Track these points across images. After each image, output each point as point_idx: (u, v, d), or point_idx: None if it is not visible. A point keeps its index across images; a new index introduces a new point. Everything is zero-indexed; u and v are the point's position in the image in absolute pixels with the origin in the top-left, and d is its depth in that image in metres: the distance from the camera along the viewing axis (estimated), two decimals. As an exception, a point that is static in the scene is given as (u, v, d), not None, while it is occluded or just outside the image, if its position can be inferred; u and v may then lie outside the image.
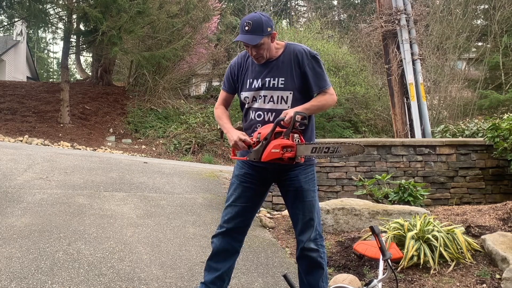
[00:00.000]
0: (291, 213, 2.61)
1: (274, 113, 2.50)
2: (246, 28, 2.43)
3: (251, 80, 2.56)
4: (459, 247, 3.51)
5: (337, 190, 5.81)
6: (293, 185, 2.54)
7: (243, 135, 2.50)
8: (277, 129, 2.40)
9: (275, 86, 2.51)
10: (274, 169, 2.54)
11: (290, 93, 2.50)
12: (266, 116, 2.52)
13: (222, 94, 2.75)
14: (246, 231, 2.68)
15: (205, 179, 6.93)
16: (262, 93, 2.52)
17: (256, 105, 2.55)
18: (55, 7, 14.06)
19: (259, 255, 3.86)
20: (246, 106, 2.61)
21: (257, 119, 2.55)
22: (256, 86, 2.54)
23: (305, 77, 2.50)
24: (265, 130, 2.45)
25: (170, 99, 17.07)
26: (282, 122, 2.38)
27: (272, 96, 2.51)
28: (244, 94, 2.58)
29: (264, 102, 2.52)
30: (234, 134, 2.51)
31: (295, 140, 2.39)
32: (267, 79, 2.51)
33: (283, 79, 2.50)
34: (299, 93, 2.51)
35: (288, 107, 2.49)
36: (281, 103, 2.50)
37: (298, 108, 2.42)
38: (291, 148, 2.36)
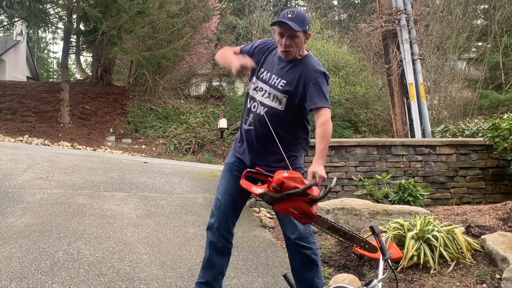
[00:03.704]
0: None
1: (266, 109, 2.51)
2: (290, 15, 2.42)
3: (264, 70, 2.58)
4: (459, 247, 3.51)
5: (337, 190, 5.81)
6: None
7: (243, 59, 2.46)
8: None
9: (275, 85, 2.52)
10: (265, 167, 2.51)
11: (285, 97, 2.50)
12: (258, 109, 2.53)
13: (236, 48, 2.70)
14: (236, 222, 2.68)
15: (205, 179, 6.94)
16: (264, 86, 2.55)
17: (256, 95, 2.57)
18: (55, 7, 14.06)
19: (259, 255, 3.86)
20: (249, 91, 2.62)
21: (252, 109, 2.58)
22: (264, 78, 2.56)
23: (307, 91, 2.45)
24: (290, 182, 2.15)
25: (170, 99, 17.07)
26: (314, 186, 2.16)
27: (269, 93, 2.53)
28: (253, 79, 2.61)
29: (262, 96, 2.54)
30: (235, 61, 2.47)
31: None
32: (274, 76, 2.54)
33: (285, 82, 2.50)
34: (292, 100, 2.49)
35: (282, 108, 2.50)
36: (275, 102, 2.51)
37: (321, 165, 2.25)
38: (310, 217, 2.18)
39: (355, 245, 2.36)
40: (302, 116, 2.55)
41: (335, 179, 2.27)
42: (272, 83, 2.53)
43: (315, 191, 2.18)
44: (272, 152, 2.51)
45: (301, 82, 2.47)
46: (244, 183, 2.38)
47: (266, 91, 2.54)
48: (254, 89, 2.59)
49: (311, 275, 2.57)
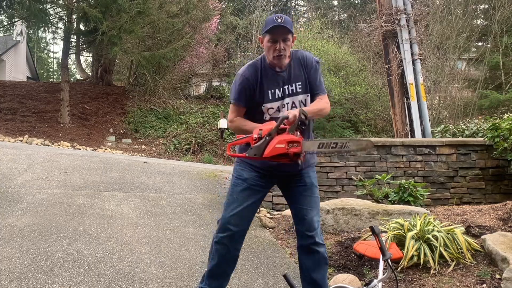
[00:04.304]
0: (299, 209, 2.57)
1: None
2: (279, 20, 2.46)
3: (272, 91, 2.54)
4: (459, 247, 3.51)
5: (337, 190, 5.81)
6: (303, 181, 2.57)
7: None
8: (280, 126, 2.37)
9: (294, 91, 2.56)
10: (283, 175, 2.57)
11: (307, 96, 2.58)
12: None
13: (236, 109, 2.59)
14: (246, 233, 2.68)
15: (205, 179, 6.94)
16: (285, 101, 2.56)
17: (280, 115, 2.52)
18: (55, 7, 14.07)
19: (259, 255, 3.86)
20: (267, 117, 2.56)
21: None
22: (280, 95, 2.55)
23: (309, 80, 2.59)
24: (267, 127, 2.39)
25: (170, 99, 17.07)
26: (286, 120, 2.34)
27: (294, 102, 2.56)
28: (268, 106, 2.55)
29: (287, 109, 2.54)
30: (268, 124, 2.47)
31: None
32: (286, 87, 2.55)
33: (300, 83, 2.56)
34: (311, 96, 2.60)
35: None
36: (301, 107, 2.54)
37: (298, 110, 2.42)
38: (297, 143, 2.31)
39: (351, 151, 2.44)
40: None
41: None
42: (291, 91, 2.56)
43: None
44: None
45: (307, 73, 2.58)
46: (230, 153, 2.60)
47: (288, 103, 2.55)
48: (276, 111, 2.55)
49: (323, 275, 2.59)
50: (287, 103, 2.55)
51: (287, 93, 2.55)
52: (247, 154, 2.44)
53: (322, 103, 2.57)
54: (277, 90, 2.54)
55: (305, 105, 2.56)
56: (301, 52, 2.66)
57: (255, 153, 2.39)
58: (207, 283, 2.61)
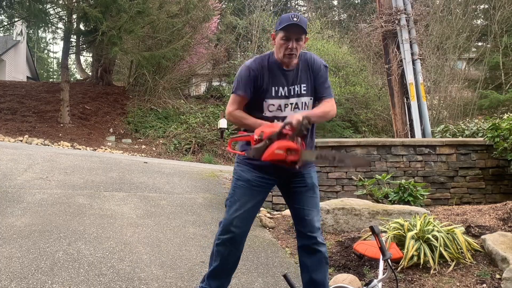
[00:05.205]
0: (300, 210, 2.56)
1: None
2: (295, 19, 2.44)
3: (276, 88, 2.52)
4: (459, 247, 3.50)
5: (337, 190, 5.81)
6: (305, 181, 2.56)
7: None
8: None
9: (299, 93, 2.53)
10: (284, 175, 2.56)
11: (311, 99, 2.56)
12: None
13: (237, 99, 2.55)
14: (247, 233, 2.68)
15: (205, 179, 6.94)
16: (290, 101, 2.53)
17: (283, 114, 2.51)
18: (55, 7, 14.07)
19: (259, 255, 3.86)
20: (266, 114, 2.53)
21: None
22: (283, 94, 2.52)
23: (315, 83, 2.57)
24: (268, 129, 2.37)
25: (170, 99, 17.08)
26: (289, 125, 2.30)
27: (297, 103, 2.53)
28: (269, 102, 2.52)
29: (291, 110, 2.52)
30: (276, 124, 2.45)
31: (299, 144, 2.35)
32: (292, 87, 2.53)
33: (305, 85, 2.54)
34: (315, 99, 2.58)
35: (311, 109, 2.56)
36: (304, 109, 2.53)
37: (304, 113, 2.39)
38: (296, 151, 2.30)
39: (347, 166, 2.47)
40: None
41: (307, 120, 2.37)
42: (296, 92, 2.53)
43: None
44: None
45: (313, 76, 2.56)
46: (231, 149, 2.56)
47: (292, 104, 2.53)
48: (277, 109, 2.54)
49: (324, 275, 2.58)
50: (291, 104, 2.53)
51: (292, 93, 2.53)
52: (246, 153, 2.46)
53: (328, 106, 2.55)
54: (281, 88, 2.52)
55: (308, 107, 2.54)
56: (310, 54, 2.62)
57: (254, 154, 2.40)
58: (208, 284, 2.60)
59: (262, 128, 2.40)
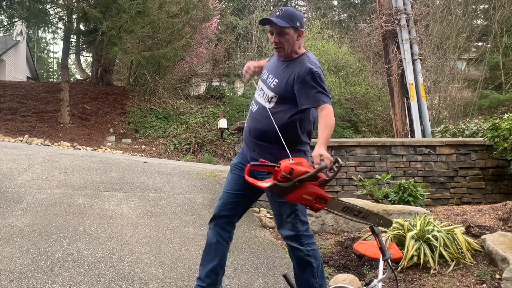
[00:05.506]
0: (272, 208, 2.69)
1: (257, 106, 2.61)
2: (277, 13, 2.52)
3: (265, 70, 2.68)
4: (459, 247, 3.51)
5: (337, 190, 5.81)
6: None
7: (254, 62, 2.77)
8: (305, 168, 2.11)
9: (269, 84, 2.59)
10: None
11: (275, 96, 2.52)
12: (254, 107, 2.64)
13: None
14: (235, 222, 2.71)
15: (205, 179, 6.93)
16: (263, 86, 2.63)
17: (255, 94, 2.68)
18: (55, 7, 14.07)
19: (259, 255, 3.86)
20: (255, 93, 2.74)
21: (250, 107, 2.71)
22: (263, 77, 2.66)
23: (297, 88, 2.45)
24: (299, 168, 2.13)
25: (170, 99, 17.09)
26: (325, 169, 2.11)
27: (264, 92, 2.60)
28: (260, 84, 2.71)
29: (259, 95, 2.63)
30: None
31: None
32: (271, 75, 2.61)
33: (277, 81, 2.55)
34: (283, 100, 2.49)
35: (270, 107, 2.51)
36: (266, 101, 2.57)
37: (324, 149, 2.21)
38: (325, 200, 2.15)
39: (370, 223, 2.37)
40: (292, 115, 2.47)
41: (341, 161, 2.20)
42: (268, 82, 2.61)
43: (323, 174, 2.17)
44: (262, 147, 2.56)
45: (291, 81, 2.46)
46: (249, 178, 2.30)
47: (262, 90, 2.62)
48: (258, 90, 2.69)
49: (305, 275, 2.59)
50: (262, 89, 2.61)
51: (266, 80, 2.62)
52: (267, 188, 2.20)
53: (327, 121, 2.36)
54: (266, 73, 2.66)
55: (269, 102, 2.53)
56: (308, 61, 2.50)
57: (276, 191, 2.18)
58: (199, 270, 2.69)
59: (292, 164, 2.15)
